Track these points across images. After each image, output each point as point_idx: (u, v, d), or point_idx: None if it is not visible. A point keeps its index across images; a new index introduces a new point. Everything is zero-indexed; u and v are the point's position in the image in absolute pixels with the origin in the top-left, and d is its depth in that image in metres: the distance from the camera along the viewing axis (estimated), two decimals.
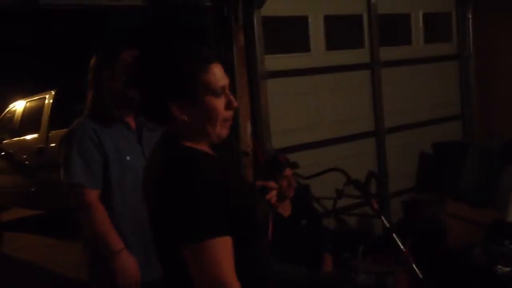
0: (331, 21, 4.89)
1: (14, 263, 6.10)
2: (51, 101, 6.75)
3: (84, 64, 2.63)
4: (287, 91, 4.60)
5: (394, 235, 3.38)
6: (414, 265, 3.27)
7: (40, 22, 7.29)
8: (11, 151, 7.31)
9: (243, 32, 4.28)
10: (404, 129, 5.45)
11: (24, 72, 8.28)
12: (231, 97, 1.58)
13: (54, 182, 6.45)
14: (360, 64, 5.14)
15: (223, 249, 1.45)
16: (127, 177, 2.45)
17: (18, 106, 7.62)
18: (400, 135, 5.40)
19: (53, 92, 6.80)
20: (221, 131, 1.59)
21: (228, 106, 1.58)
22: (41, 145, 6.67)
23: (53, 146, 6.47)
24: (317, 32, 4.81)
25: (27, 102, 7.44)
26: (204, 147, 1.59)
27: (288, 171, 3.59)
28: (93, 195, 2.42)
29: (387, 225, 3.54)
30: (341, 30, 5.03)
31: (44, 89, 7.05)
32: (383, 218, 3.57)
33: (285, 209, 3.62)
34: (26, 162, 7.02)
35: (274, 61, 4.49)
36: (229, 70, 4.26)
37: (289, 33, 4.70)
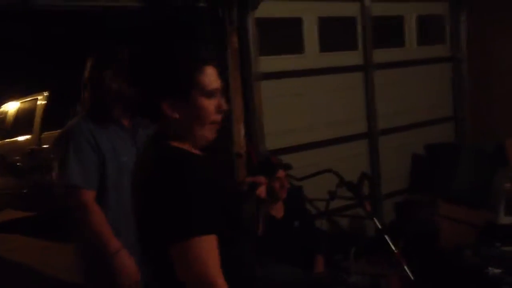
0: (325, 23, 4.90)
1: (6, 265, 6.07)
2: (43, 102, 6.73)
3: (80, 65, 2.62)
4: (280, 92, 4.61)
5: (386, 236, 3.39)
6: (406, 267, 3.28)
7: (38, 22, 7.27)
8: (2, 153, 7.28)
9: (237, 33, 4.29)
10: (397, 130, 5.47)
11: (19, 72, 8.25)
12: (222, 100, 1.60)
13: (46, 184, 6.43)
14: (354, 66, 5.15)
15: (209, 247, 1.46)
16: (123, 177, 2.44)
17: (10, 107, 7.59)
18: (393, 137, 5.42)
19: (45, 93, 6.78)
20: (208, 133, 1.61)
21: (218, 109, 1.59)
22: (34, 147, 6.64)
23: (45, 147, 6.45)
24: (311, 34, 4.82)
25: (19, 103, 7.41)
26: (190, 148, 1.60)
27: (281, 173, 3.60)
28: (89, 196, 2.41)
29: (380, 226, 3.56)
30: (335, 32, 5.04)
31: (38, 90, 7.03)
32: (375, 219, 3.59)
33: (278, 211, 3.62)
34: (19, 164, 6.99)
35: (268, 63, 4.50)
36: (223, 72, 4.26)
37: (283, 35, 4.71)
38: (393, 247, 3.35)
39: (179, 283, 1.47)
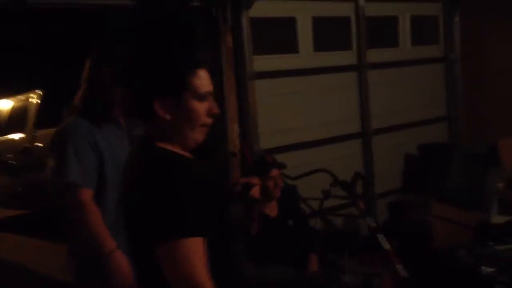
0: (319, 23, 4.91)
1: None
2: (37, 100, 6.71)
3: (75, 64, 2.61)
4: (275, 92, 4.61)
5: (379, 236, 3.40)
6: (399, 266, 3.29)
7: (33, 21, 7.24)
8: None
9: (231, 33, 4.29)
10: (391, 130, 5.48)
11: (12, 70, 8.22)
12: (213, 104, 1.61)
13: (40, 182, 6.41)
14: (348, 66, 5.17)
15: (196, 249, 1.46)
16: (121, 177, 2.43)
17: (4, 105, 7.56)
18: (387, 137, 5.44)
19: (39, 92, 6.76)
20: (198, 135, 1.62)
21: (209, 112, 1.60)
22: (27, 145, 6.62)
23: (39, 145, 6.42)
24: (305, 34, 4.83)
25: (13, 101, 7.38)
26: (179, 149, 1.61)
27: (275, 172, 3.60)
28: (87, 195, 2.40)
29: (373, 226, 3.57)
30: (329, 32, 5.05)
31: (32, 88, 7.00)
32: (369, 219, 3.60)
33: (272, 210, 3.63)
34: (12, 162, 6.96)
35: (262, 62, 4.50)
36: (217, 71, 4.27)
37: (277, 34, 4.72)
38: (386, 247, 3.36)
39: (164, 284, 1.47)
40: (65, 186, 2.41)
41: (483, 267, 3.82)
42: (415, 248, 4.34)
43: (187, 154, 1.63)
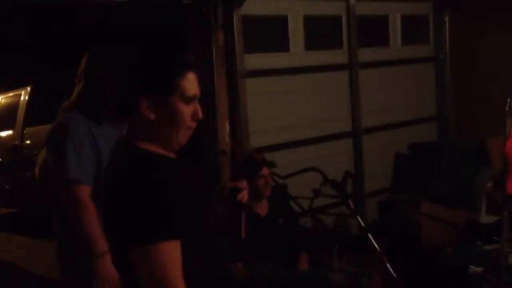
0: (310, 21, 4.91)
1: None
2: (26, 97, 6.66)
3: (67, 62, 2.57)
4: (266, 90, 4.61)
5: (369, 235, 3.41)
6: (388, 265, 3.30)
7: (28, 18, 7.21)
8: None
9: (223, 30, 4.28)
10: (381, 129, 5.50)
11: (2, 67, 8.16)
12: (199, 108, 1.60)
13: (28, 180, 6.37)
14: (339, 65, 5.17)
15: (172, 253, 1.45)
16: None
17: None
18: (377, 136, 5.45)
19: (28, 89, 6.71)
20: (182, 138, 1.61)
21: (194, 116, 1.60)
22: (16, 142, 6.57)
23: (28, 143, 6.37)
24: (296, 32, 4.83)
25: (2, 98, 7.32)
26: (161, 150, 1.59)
27: (265, 170, 3.60)
28: (85, 191, 2.36)
29: (363, 224, 3.57)
30: (320, 31, 5.06)
31: (22, 85, 6.95)
32: (359, 218, 3.60)
33: (262, 208, 3.62)
34: (0, 159, 6.91)
35: (254, 60, 4.50)
36: (208, 69, 4.26)
37: (268, 33, 4.71)
38: (376, 246, 3.37)
39: (137, 287, 1.46)
40: (64, 183, 2.37)
41: (471, 267, 3.84)
42: (404, 247, 4.35)
43: (170, 154, 1.62)
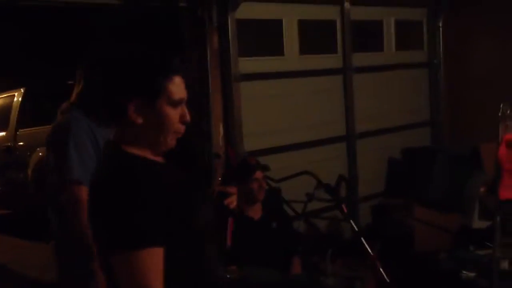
0: (305, 26, 4.92)
1: None
2: (20, 99, 6.63)
3: (64, 64, 2.57)
4: (260, 94, 4.61)
5: (362, 239, 3.40)
6: (381, 270, 3.30)
7: (22, 19, 7.19)
8: None
9: (217, 33, 4.28)
10: (375, 134, 5.51)
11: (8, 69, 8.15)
12: (186, 111, 1.61)
13: (21, 181, 6.34)
14: (333, 69, 5.19)
15: (153, 259, 1.44)
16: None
17: None
18: (371, 140, 5.46)
19: (22, 90, 6.69)
20: (169, 141, 1.61)
21: (182, 119, 1.60)
22: (9, 144, 6.54)
23: (21, 144, 6.35)
24: (291, 36, 4.84)
25: None
26: (148, 154, 1.59)
27: (258, 174, 3.60)
28: (86, 192, 2.35)
29: (356, 229, 3.57)
30: (315, 35, 5.07)
31: (16, 87, 6.92)
32: (352, 222, 3.60)
33: (256, 212, 3.62)
34: None
35: (248, 64, 4.50)
36: (203, 72, 4.26)
37: (263, 36, 4.72)
38: (369, 250, 3.37)
39: None
40: (66, 182, 2.35)
41: (463, 272, 3.85)
42: (397, 252, 4.36)
43: (158, 158, 1.61)
